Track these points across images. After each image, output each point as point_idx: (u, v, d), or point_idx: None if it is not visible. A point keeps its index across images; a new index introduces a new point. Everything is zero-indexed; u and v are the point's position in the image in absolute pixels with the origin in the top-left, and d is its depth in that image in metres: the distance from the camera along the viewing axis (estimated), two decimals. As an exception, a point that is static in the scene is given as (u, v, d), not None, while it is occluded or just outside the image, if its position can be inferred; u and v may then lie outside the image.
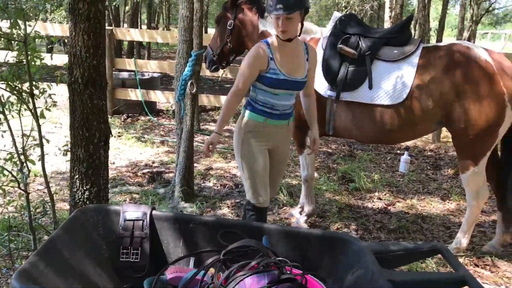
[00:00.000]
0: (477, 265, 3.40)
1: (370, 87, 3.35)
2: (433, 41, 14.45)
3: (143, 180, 4.83)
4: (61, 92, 5.96)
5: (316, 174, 5.32)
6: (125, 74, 8.77)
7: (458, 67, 3.18)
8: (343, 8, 11.68)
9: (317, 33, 3.79)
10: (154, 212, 2.19)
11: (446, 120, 3.27)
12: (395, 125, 3.35)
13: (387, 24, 9.75)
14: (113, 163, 5.37)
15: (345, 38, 3.50)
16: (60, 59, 7.10)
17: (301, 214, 4.02)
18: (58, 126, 6.70)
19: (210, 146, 2.69)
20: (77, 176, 2.74)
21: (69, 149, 2.77)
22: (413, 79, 3.25)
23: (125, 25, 18.04)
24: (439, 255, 2.14)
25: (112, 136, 2.89)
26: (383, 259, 2.01)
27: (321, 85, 3.52)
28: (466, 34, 9.96)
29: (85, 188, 2.75)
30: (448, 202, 4.69)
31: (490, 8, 19.12)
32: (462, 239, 3.47)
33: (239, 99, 2.78)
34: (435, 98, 3.21)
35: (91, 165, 2.75)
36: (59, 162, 4.45)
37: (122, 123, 7.42)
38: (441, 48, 3.35)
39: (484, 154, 3.26)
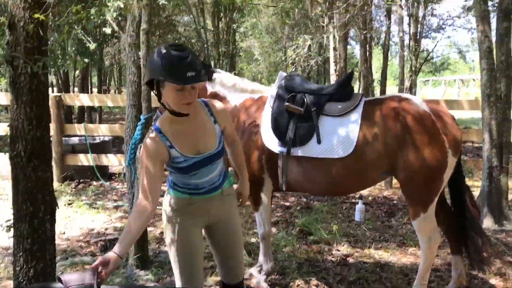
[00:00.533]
0: (437, 312, 3.41)
1: (319, 141, 3.43)
2: (377, 91, 15.12)
3: (96, 249, 4.64)
4: (6, 161, 5.76)
5: (274, 230, 5.29)
6: (75, 140, 8.60)
7: (399, 118, 3.32)
8: (290, 65, 12.13)
9: (265, 92, 3.90)
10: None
11: (393, 170, 3.37)
12: (345, 177, 3.42)
13: (333, 78, 10.16)
14: (64, 233, 5.16)
15: (291, 96, 3.61)
16: (1, 127, 6.93)
17: (260, 273, 3.95)
18: (4, 197, 6.40)
19: (101, 268, 2.01)
20: (21, 254, 2.61)
21: (12, 225, 2.65)
22: (358, 132, 3.36)
23: (76, 89, 17.90)
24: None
25: (58, 208, 2.79)
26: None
27: (272, 141, 3.58)
28: (407, 83, 10.51)
29: (30, 265, 2.62)
30: (405, 249, 4.75)
31: (429, 58, 20.37)
32: (419, 286, 3.50)
33: (147, 208, 2.21)
34: (380, 149, 3.32)
35: (36, 241, 2.63)
36: (3, 236, 4.22)
37: (73, 189, 7.19)
38: (382, 101, 3.50)
39: (432, 200, 3.36)
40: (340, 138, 3.38)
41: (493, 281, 3.96)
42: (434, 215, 3.43)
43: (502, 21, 5.69)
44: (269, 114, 3.64)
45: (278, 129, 3.57)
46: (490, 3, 7.73)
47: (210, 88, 3.99)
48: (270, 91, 3.82)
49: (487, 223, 5.46)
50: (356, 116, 3.42)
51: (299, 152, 3.50)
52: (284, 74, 3.86)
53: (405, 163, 3.28)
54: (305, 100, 3.56)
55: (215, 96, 3.98)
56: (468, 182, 7.04)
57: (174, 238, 2.43)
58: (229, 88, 3.94)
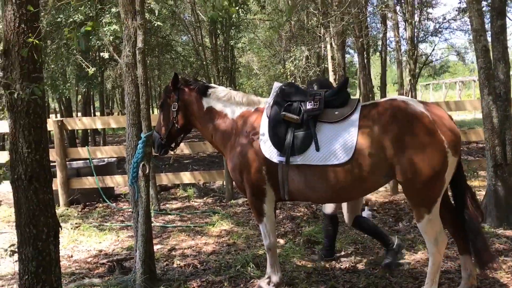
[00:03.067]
0: (449, 314, 3.37)
1: (317, 149, 3.43)
2: (378, 97, 15.14)
3: (103, 271, 4.63)
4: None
5: (281, 241, 5.27)
6: (80, 163, 8.65)
7: (396, 121, 3.32)
8: (289, 76, 12.21)
9: (261, 103, 3.92)
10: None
11: (393, 173, 3.36)
12: (346, 183, 3.41)
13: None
14: (71, 256, 5.17)
15: (287, 105, 3.62)
16: (2, 156, 7.02)
17: (269, 284, 3.92)
18: (11, 224, 6.42)
19: None
20: (26, 277, 2.62)
21: (16, 249, 2.66)
22: (357, 137, 3.36)
23: (79, 114, 18.05)
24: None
25: (61, 230, 2.80)
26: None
27: (270, 151, 3.58)
28: (407, 87, 10.53)
29: (35, 288, 2.61)
30: (414, 252, 4.70)
31: (427, 61, 20.42)
32: None
33: None
34: (379, 153, 3.32)
35: (41, 263, 2.64)
36: (10, 262, 4.23)
37: (80, 212, 7.21)
38: (378, 105, 3.51)
39: (435, 201, 3.34)
40: (339, 144, 3.38)
41: (504, 280, 3.91)
42: (439, 216, 3.41)
43: (496, 19, 5.70)
44: (266, 125, 3.65)
45: (276, 139, 3.57)
46: (484, 3, 7.77)
47: (205, 104, 4.02)
48: (266, 102, 3.84)
49: (495, 222, 5.41)
50: (353, 121, 3.42)
51: (298, 160, 3.50)
52: (279, 84, 3.88)
53: (406, 165, 3.27)
54: (302, 108, 3.57)
55: (211, 111, 4.00)
56: (474, 182, 7.03)
57: None
58: (225, 102, 3.97)
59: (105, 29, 8.32)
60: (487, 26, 5.96)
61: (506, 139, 5.66)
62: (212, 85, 4.18)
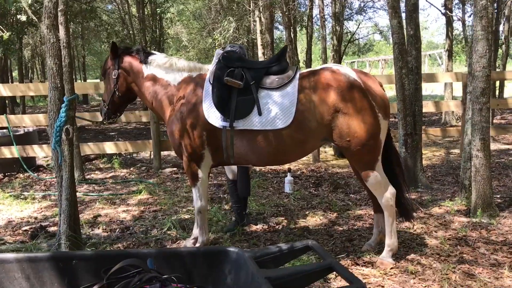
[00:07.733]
0: (357, 264, 3.71)
1: (260, 113, 3.58)
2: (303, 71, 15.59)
3: (25, 237, 4.56)
4: None
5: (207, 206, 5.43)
6: (-4, 132, 8.24)
7: (332, 87, 3.53)
8: (218, 47, 12.24)
9: (203, 69, 3.98)
10: (30, 255, 2.14)
11: (331, 136, 3.58)
12: (287, 146, 3.60)
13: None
14: (-11, 224, 5.01)
15: (230, 71, 3.71)
16: None
17: (195, 245, 4.08)
18: None
19: None
20: None
21: None
22: (296, 102, 3.54)
23: (-5, 83, 16.98)
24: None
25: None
26: (263, 262, 2.17)
27: (214, 116, 3.67)
28: (330, 63, 10.92)
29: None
30: (330, 213, 5.06)
31: (352, 39, 21.18)
32: (390, 241, 3.70)
33: None
34: (317, 117, 3.53)
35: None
36: None
37: (-2, 183, 6.93)
38: (315, 72, 3.70)
39: (377, 159, 3.61)
40: (280, 110, 3.54)
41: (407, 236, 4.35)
42: (383, 173, 3.66)
43: (410, -2, 6.12)
44: (209, 90, 3.72)
45: (220, 104, 3.64)
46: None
47: (146, 71, 4.03)
48: (208, 68, 3.91)
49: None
50: (293, 88, 3.59)
51: (240, 125, 3.61)
52: (221, 51, 3.97)
53: (343, 129, 3.50)
54: (244, 74, 3.68)
55: (152, 78, 4.02)
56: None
57: None
58: (166, 68, 4.00)
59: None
60: (402, 4, 6.37)
61: (416, 110, 6.16)
62: (154, 52, 4.20)
